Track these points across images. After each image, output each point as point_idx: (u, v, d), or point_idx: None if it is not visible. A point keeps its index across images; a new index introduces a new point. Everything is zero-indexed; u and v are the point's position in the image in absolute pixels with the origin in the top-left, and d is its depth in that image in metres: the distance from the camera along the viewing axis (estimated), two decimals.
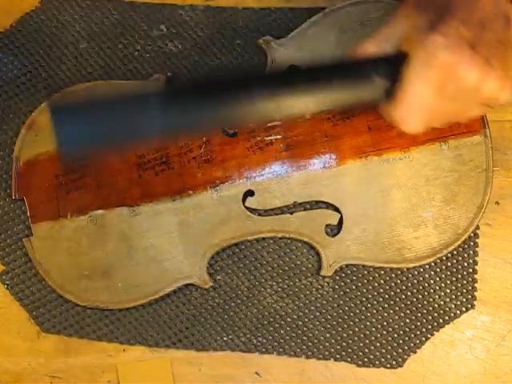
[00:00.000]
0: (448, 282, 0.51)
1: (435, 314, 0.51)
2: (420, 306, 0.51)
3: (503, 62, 0.36)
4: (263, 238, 0.52)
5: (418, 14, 0.38)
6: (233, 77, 0.39)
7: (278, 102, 0.37)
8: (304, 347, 0.51)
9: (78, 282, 0.50)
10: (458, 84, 0.36)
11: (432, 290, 0.51)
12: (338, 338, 0.51)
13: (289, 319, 0.51)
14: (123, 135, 0.36)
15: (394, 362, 0.50)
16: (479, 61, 0.35)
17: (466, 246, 0.51)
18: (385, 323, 0.51)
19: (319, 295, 0.51)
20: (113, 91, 0.52)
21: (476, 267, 0.51)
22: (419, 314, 0.51)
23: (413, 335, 0.51)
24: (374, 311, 0.51)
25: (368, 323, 0.51)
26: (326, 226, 0.51)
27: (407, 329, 0.51)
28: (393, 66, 0.39)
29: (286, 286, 0.51)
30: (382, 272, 0.51)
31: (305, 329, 0.51)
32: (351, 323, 0.51)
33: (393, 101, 0.38)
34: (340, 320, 0.51)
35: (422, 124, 0.38)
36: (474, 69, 0.35)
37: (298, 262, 0.52)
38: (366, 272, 0.51)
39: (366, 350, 0.51)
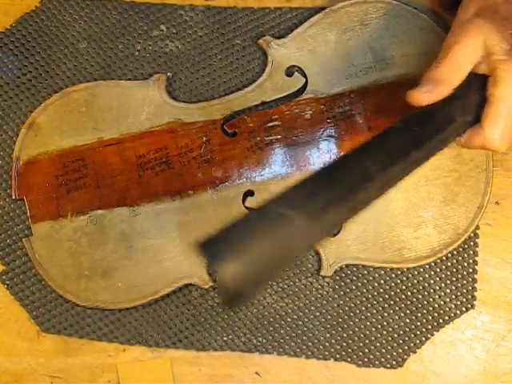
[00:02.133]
0: (448, 281, 0.51)
1: (435, 314, 0.51)
2: (420, 306, 0.51)
3: None
4: None
5: (493, 29, 0.38)
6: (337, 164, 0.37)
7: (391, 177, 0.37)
8: (304, 347, 0.51)
9: (77, 281, 0.50)
10: None
11: (432, 290, 0.51)
12: (338, 337, 0.51)
13: (289, 319, 0.51)
14: (282, 259, 0.32)
15: (394, 362, 0.50)
16: None
17: (466, 246, 0.51)
18: (385, 323, 0.51)
19: (319, 295, 0.51)
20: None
21: (476, 267, 0.51)
22: (419, 314, 0.51)
23: (413, 335, 0.51)
24: (374, 311, 0.51)
25: (368, 323, 0.51)
26: None
27: (407, 329, 0.51)
28: (470, 100, 0.39)
29: (286, 286, 0.51)
30: (382, 272, 0.51)
31: (305, 329, 0.51)
32: (351, 323, 0.51)
33: (481, 124, 0.39)
34: (340, 320, 0.51)
35: (510, 141, 0.39)
36: None
37: (298, 262, 0.52)
38: (365, 272, 0.51)
39: (366, 350, 0.51)
